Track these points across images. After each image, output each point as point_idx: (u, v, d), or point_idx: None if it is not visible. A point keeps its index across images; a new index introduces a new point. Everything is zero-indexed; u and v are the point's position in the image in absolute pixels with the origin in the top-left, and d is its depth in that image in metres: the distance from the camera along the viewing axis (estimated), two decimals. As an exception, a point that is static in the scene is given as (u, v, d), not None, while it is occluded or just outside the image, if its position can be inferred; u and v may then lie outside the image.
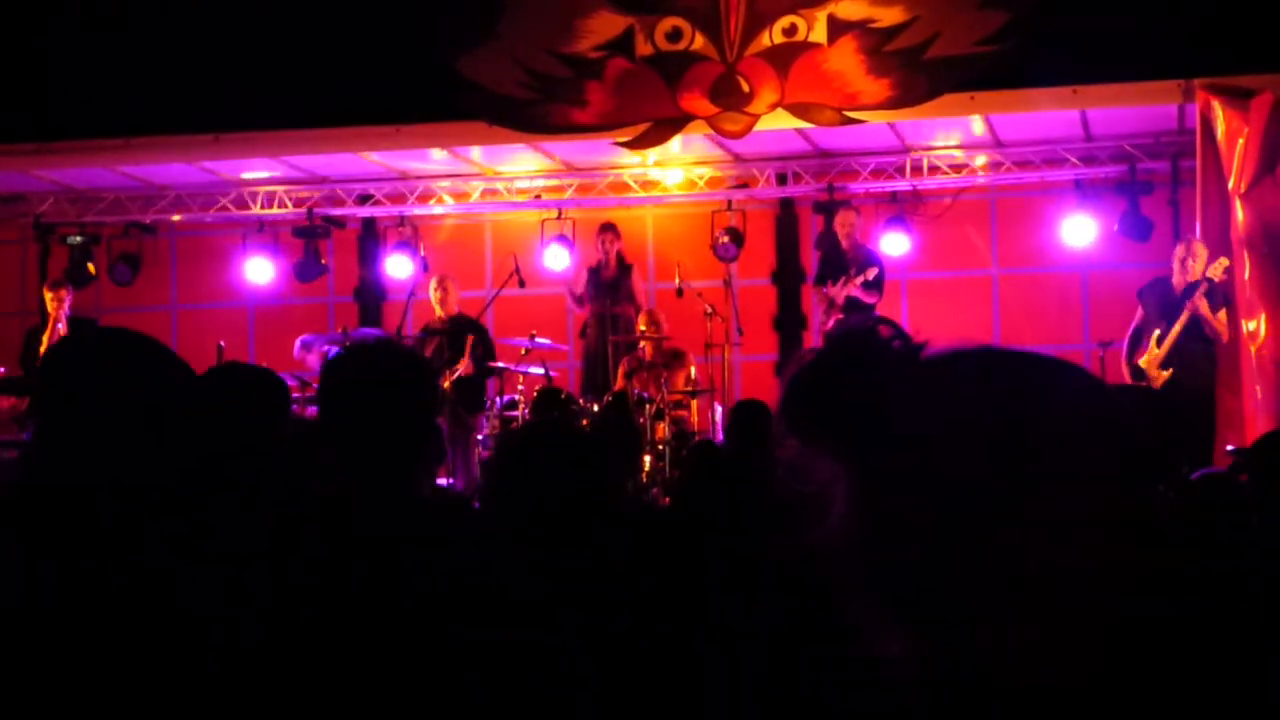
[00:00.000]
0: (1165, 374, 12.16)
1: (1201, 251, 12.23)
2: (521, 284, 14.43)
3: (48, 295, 13.87)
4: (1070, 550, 1.45)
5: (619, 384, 13.80)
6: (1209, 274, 12.08)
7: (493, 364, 13.82)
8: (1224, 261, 12.02)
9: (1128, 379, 12.35)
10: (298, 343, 14.09)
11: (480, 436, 13.49)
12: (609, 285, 14.57)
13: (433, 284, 14.28)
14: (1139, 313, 12.66)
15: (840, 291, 13.89)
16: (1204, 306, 12.03)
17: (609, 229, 14.95)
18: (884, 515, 1.49)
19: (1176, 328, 12.14)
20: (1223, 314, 12.10)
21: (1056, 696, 1.45)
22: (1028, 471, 1.46)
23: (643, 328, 13.96)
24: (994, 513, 1.45)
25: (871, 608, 1.49)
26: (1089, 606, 1.45)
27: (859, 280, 13.80)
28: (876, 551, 1.49)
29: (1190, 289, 12.16)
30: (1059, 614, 1.45)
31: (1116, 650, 1.45)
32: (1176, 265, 12.38)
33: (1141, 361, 12.34)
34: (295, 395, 13.57)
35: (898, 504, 1.48)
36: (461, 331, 13.76)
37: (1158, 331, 12.31)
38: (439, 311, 14.11)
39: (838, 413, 1.50)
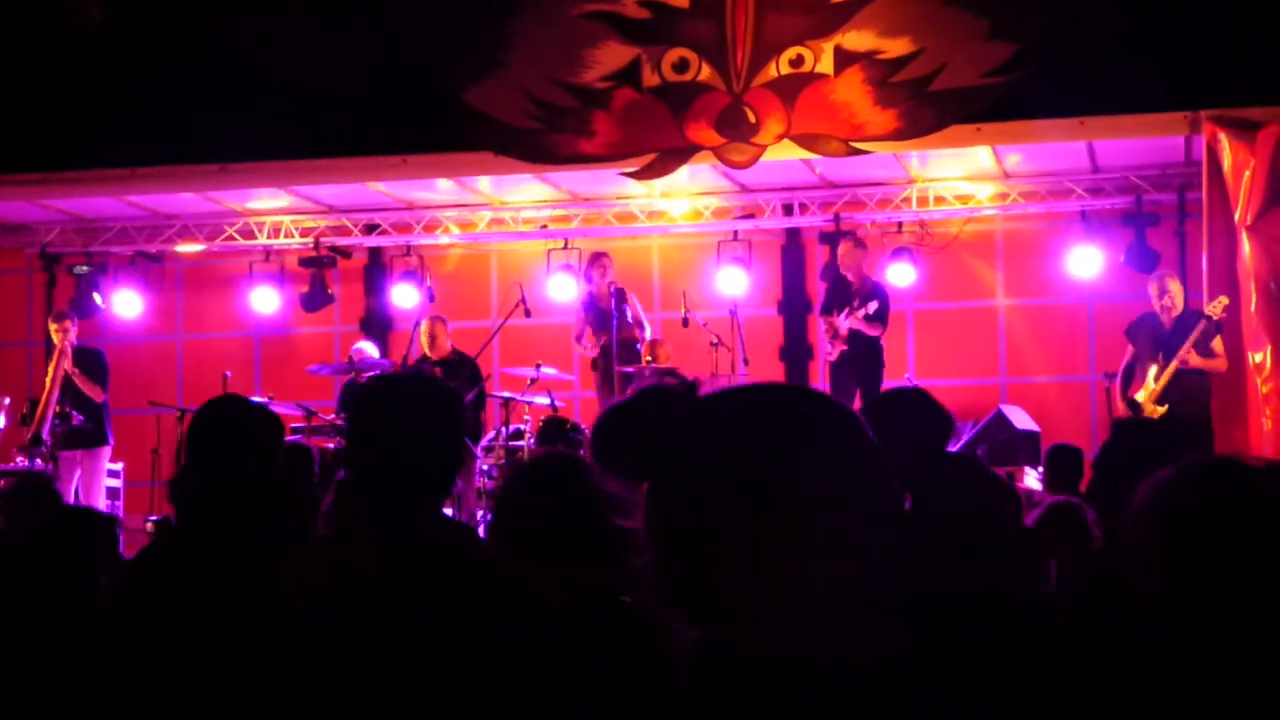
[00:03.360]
0: (1161, 409, 12.15)
1: (1176, 287, 12.40)
2: (527, 314, 14.40)
3: (52, 326, 13.85)
4: (812, 554, 1.76)
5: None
6: (1208, 311, 12.07)
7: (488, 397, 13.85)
8: (1223, 300, 12.01)
9: (1123, 413, 12.37)
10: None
11: (485, 467, 13.47)
12: (606, 314, 14.49)
13: (423, 327, 14.26)
14: (1129, 349, 12.69)
15: (844, 323, 13.87)
16: (1194, 359, 12.07)
17: (598, 258, 14.83)
18: (664, 530, 1.83)
19: (1172, 366, 12.15)
20: (1217, 343, 12.09)
21: (804, 668, 1.76)
22: (775, 490, 1.77)
23: (648, 358, 13.94)
24: (749, 524, 1.77)
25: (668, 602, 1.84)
26: (827, 600, 1.76)
27: (860, 314, 13.78)
28: (661, 559, 1.84)
29: (1180, 325, 12.20)
30: (804, 604, 1.76)
31: (852, 630, 1.78)
32: (1156, 303, 12.45)
33: (1139, 396, 12.34)
34: (299, 425, 13.59)
35: (674, 520, 1.82)
36: (458, 365, 13.73)
37: (1154, 367, 12.30)
38: (430, 354, 14.11)
39: (627, 449, 1.85)
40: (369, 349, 15.00)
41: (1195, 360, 12.10)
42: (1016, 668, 3.29)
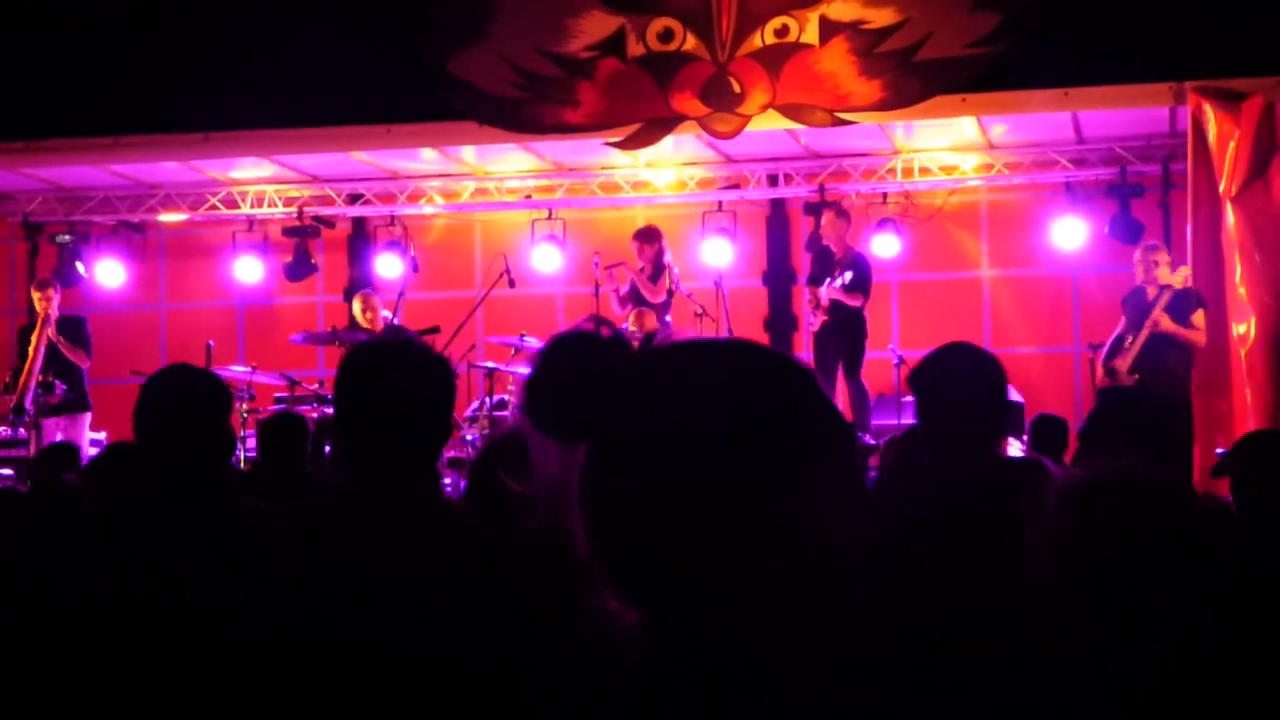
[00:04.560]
0: (1134, 378, 12.18)
1: (1162, 258, 12.44)
2: (511, 284, 14.40)
3: (35, 295, 13.82)
4: (784, 522, 1.62)
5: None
6: (1170, 281, 12.13)
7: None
8: (1185, 270, 12.07)
9: (1103, 381, 12.41)
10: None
11: (469, 437, 13.46)
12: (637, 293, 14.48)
13: (356, 301, 14.29)
14: (1122, 320, 12.72)
15: (825, 294, 13.88)
16: (1165, 321, 12.09)
17: (636, 236, 14.74)
18: (610, 497, 1.65)
19: (1143, 334, 12.18)
20: (1198, 316, 12.10)
21: (772, 648, 1.64)
22: (739, 453, 1.63)
23: (634, 328, 13.92)
24: (716, 489, 1.62)
25: (606, 583, 1.67)
26: (797, 571, 1.63)
27: (837, 284, 13.78)
28: (602, 530, 1.66)
29: (1158, 297, 12.24)
30: (773, 578, 1.62)
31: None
32: (1140, 273, 12.49)
33: (1117, 363, 12.38)
34: (283, 395, 13.58)
35: (621, 487, 1.64)
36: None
37: (1131, 336, 12.34)
38: (364, 325, 14.08)
39: (570, 404, 1.67)
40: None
41: (1167, 325, 12.09)
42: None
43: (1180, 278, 12.13)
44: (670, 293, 14.43)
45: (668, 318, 14.29)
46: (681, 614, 1.63)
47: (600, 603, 1.67)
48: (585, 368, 1.67)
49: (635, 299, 14.44)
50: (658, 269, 14.47)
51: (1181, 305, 12.10)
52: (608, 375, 1.67)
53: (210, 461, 4.52)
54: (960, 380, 4.52)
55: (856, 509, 1.69)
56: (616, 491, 1.65)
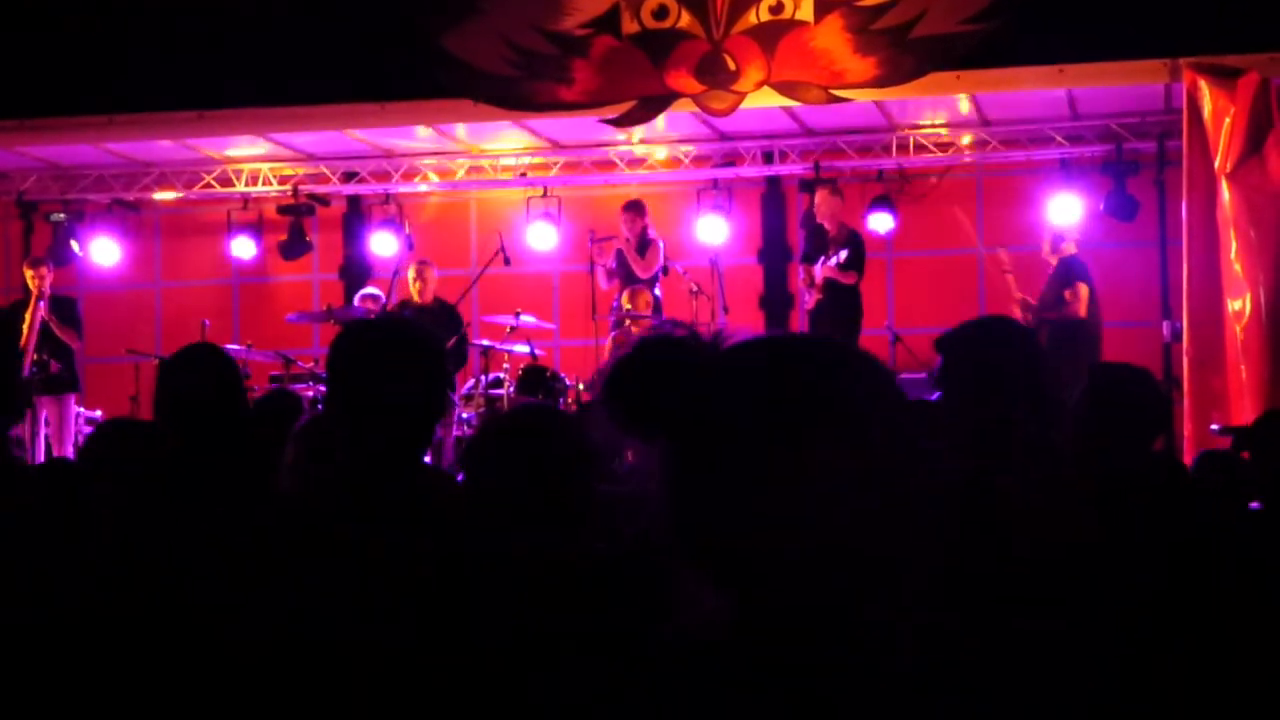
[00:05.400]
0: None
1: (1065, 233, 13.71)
2: (507, 261, 14.40)
3: (28, 273, 13.82)
4: (844, 508, 1.69)
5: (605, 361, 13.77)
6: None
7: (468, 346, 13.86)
8: (1002, 250, 13.65)
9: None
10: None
11: (465, 415, 13.47)
12: (628, 267, 14.49)
13: (411, 272, 14.21)
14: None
15: (819, 272, 13.88)
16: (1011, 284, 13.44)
17: (624, 209, 14.75)
18: (688, 487, 1.73)
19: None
20: (1073, 291, 12.92)
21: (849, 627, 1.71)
22: (805, 440, 1.70)
23: (628, 305, 13.92)
24: (776, 476, 1.69)
25: (687, 569, 1.75)
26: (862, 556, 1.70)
27: (832, 262, 13.78)
28: (684, 519, 1.74)
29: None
30: (846, 559, 1.70)
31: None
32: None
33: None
34: (278, 373, 13.59)
35: (699, 476, 1.73)
36: (440, 314, 13.71)
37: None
38: (416, 299, 14.05)
39: (647, 400, 1.75)
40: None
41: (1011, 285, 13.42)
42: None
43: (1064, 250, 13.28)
44: (665, 269, 14.42)
45: (657, 291, 14.28)
46: (763, 595, 1.71)
47: (683, 587, 1.76)
48: (666, 368, 1.76)
49: (624, 274, 14.43)
50: (643, 242, 14.47)
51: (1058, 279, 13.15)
52: (687, 372, 1.75)
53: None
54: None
55: (928, 490, 1.76)
56: (699, 481, 1.73)
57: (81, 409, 14.07)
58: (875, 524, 1.69)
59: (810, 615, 1.71)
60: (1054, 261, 13.52)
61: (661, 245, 14.48)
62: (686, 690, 1.72)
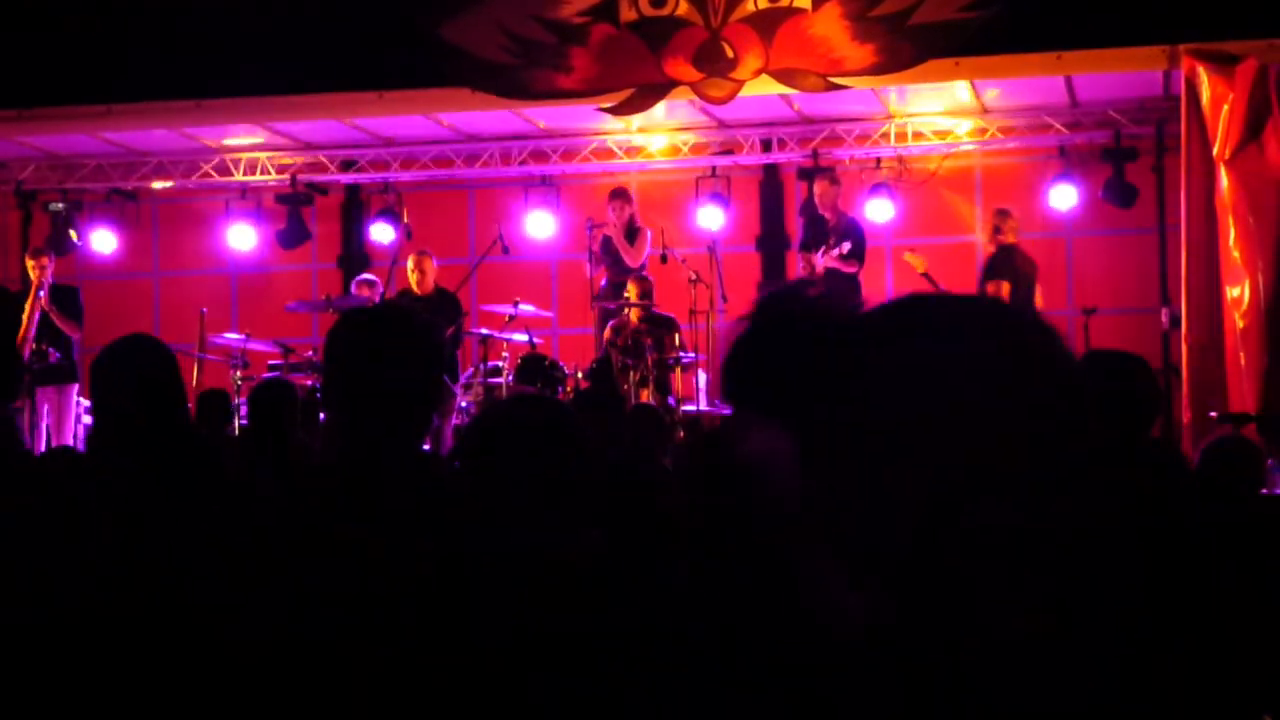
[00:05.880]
0: None
1: (1005, 223, 13.55)
2: (505, 250, 14.40)
3: (29, 263, 13.81)
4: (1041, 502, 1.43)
5: (604, 350, 13.79)
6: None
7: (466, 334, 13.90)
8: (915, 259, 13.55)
9: None
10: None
11: (463, 404, 13.47)
12: (617, 254, 14.51)
13: (410, 262, 14.21)
14: None
15: (820, 261, 13.87)
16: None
17: (612, 196, 14.77)
18: (827, 470, 1.46)
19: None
20: (1001, 287, 13.02)
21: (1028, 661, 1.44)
22: (1005, 429, 1.43)
23: (629, 294, 13.91)
24: (965, 472, 1.42)
25: (831, 565, 1.46)
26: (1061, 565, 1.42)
27: (835, 253, 13.78)
28: (840, 514, 1.46)
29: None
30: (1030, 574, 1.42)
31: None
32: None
33: None
34: (277, 362, 13.58)
35: (840, 458, 1.45)
36: (440, 304, 13.71)
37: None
38: (415, 289, 14.05)
39: (784, 378, 1.48)
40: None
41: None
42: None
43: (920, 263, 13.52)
44: (664, 257, 14.41)
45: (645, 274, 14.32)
46: (907, 595, 1.46)
47: (821, 574, 1.52)
48: (794, 336, 1.50)
49: (609, 261, 14.46)
50: (631, 230, 14.49)
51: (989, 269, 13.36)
52: (825, 344, 1.47)
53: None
54: None
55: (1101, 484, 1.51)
56: (840, 464, 1.46)
57: (83, 399, 14.07)
58: (1054, 525, 1.44)
59: (964, 627, 1.45)
60: (992, 249, 13.50)
61: (649, 234, 14.49)
62: (809, 696, 1.50)
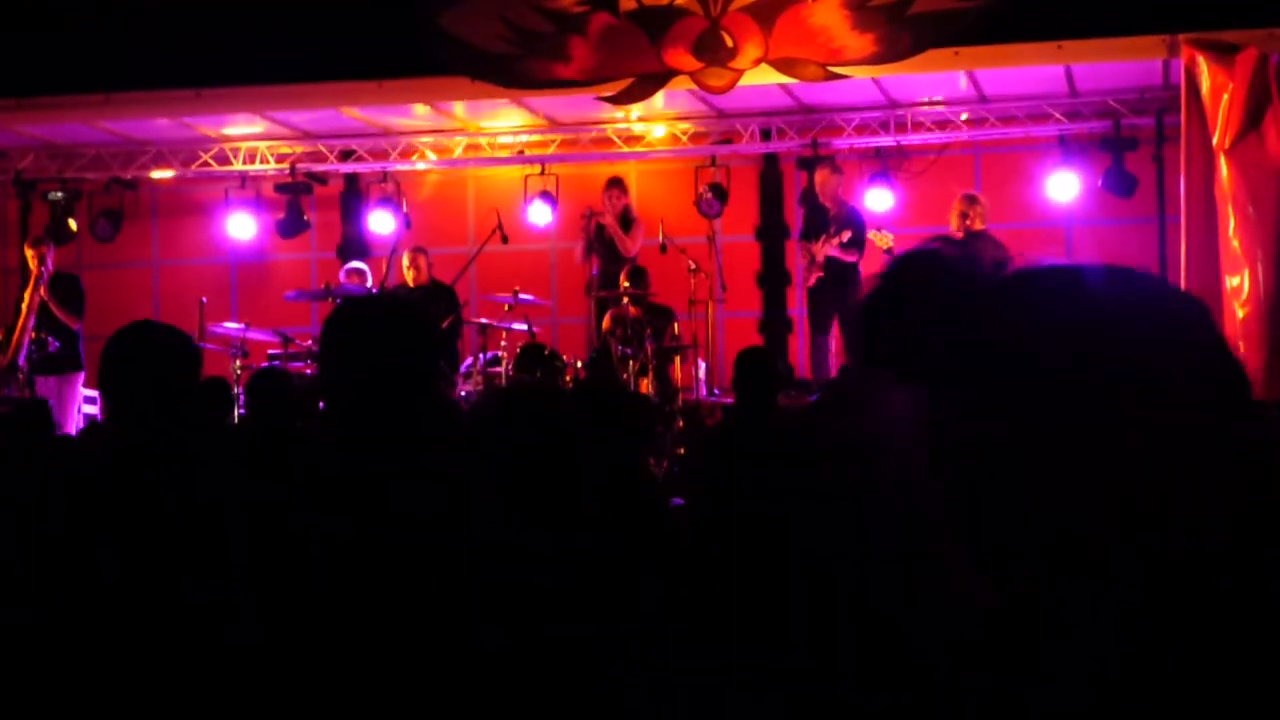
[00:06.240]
0: None
1: (973, 209, 13.65)
2: (504, 240, 14.41)
3: (29, 252, 13.81)
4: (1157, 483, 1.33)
5: (600, 340, 13.80)
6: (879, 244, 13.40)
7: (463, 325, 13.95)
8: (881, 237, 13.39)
9: None
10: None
11: (463, 393, 13.46)
12: (611, 244, 14.57)
13: (405, 259, 14.27)
14: None
15: (820, 250, 13.88)
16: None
17: (607, 186, 14.82)
18: (966, 445, 1.38)
19: None
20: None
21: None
22: (1117, 399, 1.34)
23: (626, 284, 13.92)
24: (1082, 442, 1.33)
25: (952, 543, 1.39)
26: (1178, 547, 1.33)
27: (836, 242, 13.79)
28: (959, 486, 1.38)
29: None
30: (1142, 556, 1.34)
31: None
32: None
33: None
34: (276, 352, 13.58)
35: (978, 435, 1.36)
36: (436, 295, 13.75)
37: None
38: (411, 285, 14.11)
39: (916, 336, 1.42)
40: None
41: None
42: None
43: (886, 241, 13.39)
44: (663, 248, 14.42)
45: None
46: (1051, 592, 1.35)
47: (948, 557, 1.42)
48: (932, 294, 1.42)
49: (602, 250, 14.50)
50: (626, 219, 14.53)
51: None
52: (963, 300, 1.37)
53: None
54: None
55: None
56: (987, 440, 1.36)
57: (85, 389, 14.07)
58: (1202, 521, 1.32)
59: (1105, 628, 1.34)
60: (959, 236, 13.31)
61: (642, 226, 14.55)
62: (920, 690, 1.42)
